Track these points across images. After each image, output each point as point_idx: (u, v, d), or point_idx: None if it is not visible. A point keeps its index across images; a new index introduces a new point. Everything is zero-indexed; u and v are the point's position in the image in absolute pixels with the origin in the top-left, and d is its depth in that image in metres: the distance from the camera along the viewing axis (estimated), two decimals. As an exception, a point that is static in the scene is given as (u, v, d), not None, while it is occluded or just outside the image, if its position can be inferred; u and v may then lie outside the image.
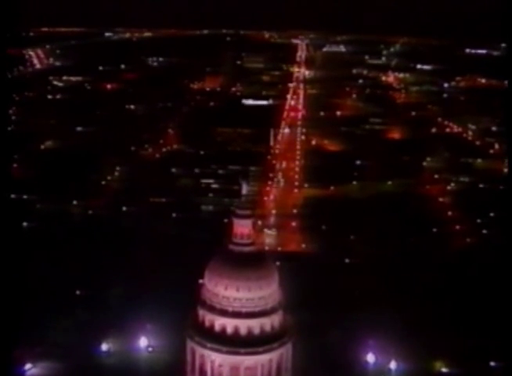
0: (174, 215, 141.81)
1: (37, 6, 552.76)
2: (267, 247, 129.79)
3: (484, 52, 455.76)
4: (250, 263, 53.16)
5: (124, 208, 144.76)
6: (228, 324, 52.98)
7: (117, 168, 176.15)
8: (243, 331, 52.99)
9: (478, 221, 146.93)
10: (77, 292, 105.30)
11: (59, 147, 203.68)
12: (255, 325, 53.04)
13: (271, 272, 55.17)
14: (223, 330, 53.28)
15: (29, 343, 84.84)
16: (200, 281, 62.40)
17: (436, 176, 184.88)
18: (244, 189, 53.19)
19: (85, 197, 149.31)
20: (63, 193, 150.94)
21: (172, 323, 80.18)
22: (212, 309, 53.47)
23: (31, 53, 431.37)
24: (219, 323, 53.23)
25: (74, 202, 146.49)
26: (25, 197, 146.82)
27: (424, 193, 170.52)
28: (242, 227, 53.22)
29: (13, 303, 76.78)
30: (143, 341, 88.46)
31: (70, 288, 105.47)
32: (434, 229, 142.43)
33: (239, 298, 52.56)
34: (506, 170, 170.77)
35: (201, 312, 54.43)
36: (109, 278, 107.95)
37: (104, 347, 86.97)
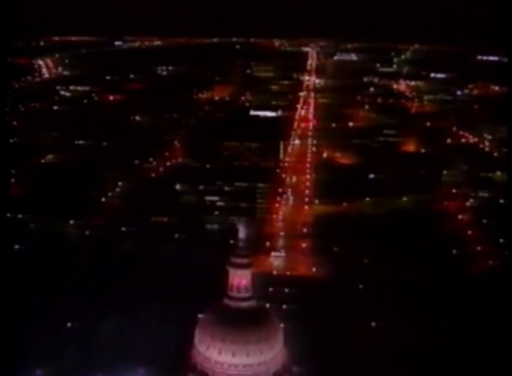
0: (176, 235, 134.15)
1: (47, 15, 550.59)
2: (275, 272, 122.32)
3: (495, 58, 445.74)
4: (248, 322, 44.56)
5: (124, 228, 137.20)
6: (223, 394, 44.58)
7: (119, 184, 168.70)
8: (239, 403, 44.51)
9: (501, 241, 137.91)
10: (69, 324, 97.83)
11: (60, 161, 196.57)
12: (254, 396, 44.53)
13: (274, 332, 46.40)
14: (216, 401, 44.85)
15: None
16: (200, 316, 54.56)
17: (454, 191, 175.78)
18: (241, 233, 44.77)
19: (83, 216, 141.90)
20: (60, 211, 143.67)
21: (169, 366, 71.82)
22: (203, 375, 44.96)
23: (40, 63, 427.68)
24: (212, 392, 44.80)
25: (71, 221, 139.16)
26: (19, 215, 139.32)
27: (442, 209, 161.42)
28: (239, 278, 44.64)
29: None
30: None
31: (61, 320, 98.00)
32: (454, 251, 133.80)
33: (235, 365, 44.02)
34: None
35: (191, 377, 46.07)
36: (105, 308, 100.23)
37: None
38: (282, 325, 46.43)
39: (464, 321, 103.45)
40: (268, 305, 47.15)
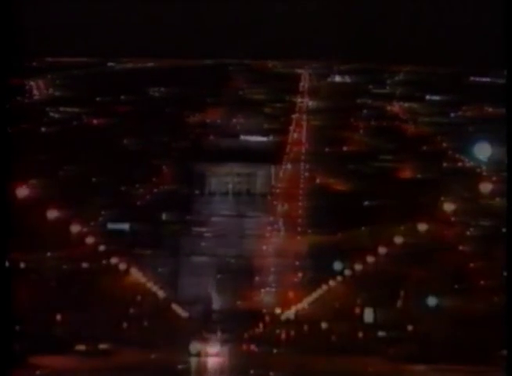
0: (160, 269, 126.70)
1: (40, 36, 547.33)
2: (264, 309, 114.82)
3: (488, 79, 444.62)
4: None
5: (104, 262, 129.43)
6: None
7: (102, 213, 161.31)
8: None
9: (504, 274, 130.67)
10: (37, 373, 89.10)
11: (43, 188, 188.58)
12: None
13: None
14: None
15: None
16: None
17: (453, 219, 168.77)
18: (216, 304, 36.50)
19: (62, 248, 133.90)
20: (37, 243, 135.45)
21: None
22: None
23: (32, 84, 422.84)
24: None
25: (48, 254, 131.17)
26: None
27: (442, 239, 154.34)
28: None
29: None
30: None
31: (31, 368, 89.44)
32: (456, 286, 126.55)
33: None
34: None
35: None
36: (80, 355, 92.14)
37: None
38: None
39: (469, 365, 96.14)
40: None
